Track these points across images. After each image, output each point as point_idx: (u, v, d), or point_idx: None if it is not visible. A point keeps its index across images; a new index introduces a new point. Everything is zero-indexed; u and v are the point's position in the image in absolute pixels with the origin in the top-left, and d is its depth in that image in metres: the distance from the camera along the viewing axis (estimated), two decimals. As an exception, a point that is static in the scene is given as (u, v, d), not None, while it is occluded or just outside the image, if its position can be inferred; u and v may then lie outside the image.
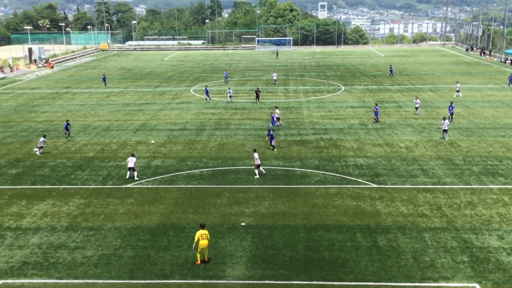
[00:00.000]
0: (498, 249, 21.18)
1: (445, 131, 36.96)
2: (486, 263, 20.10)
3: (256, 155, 30.12)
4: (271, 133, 35.78)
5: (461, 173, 30.47)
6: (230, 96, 53.03)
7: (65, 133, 39.77)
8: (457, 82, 56.75)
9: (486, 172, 30.50)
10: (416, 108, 45.64)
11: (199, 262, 20.20)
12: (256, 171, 30.13)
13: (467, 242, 21.85)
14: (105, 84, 64.87)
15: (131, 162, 30.05)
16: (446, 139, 36.71)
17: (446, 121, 37.00)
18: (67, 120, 40.84)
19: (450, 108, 43.04)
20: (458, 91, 54.82)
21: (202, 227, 20.39)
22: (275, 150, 35.11)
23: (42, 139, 35.77)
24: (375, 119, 42.80)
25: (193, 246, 20.34)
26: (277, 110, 42.29)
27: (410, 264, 20.12)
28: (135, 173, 30.22)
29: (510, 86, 59.25)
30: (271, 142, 35.42)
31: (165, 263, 20.54)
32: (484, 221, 23.86)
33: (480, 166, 31.62)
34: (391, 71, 69.38)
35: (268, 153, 34.51)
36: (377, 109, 42.98)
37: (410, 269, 19.79)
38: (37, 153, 35.39)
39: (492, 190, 27.68)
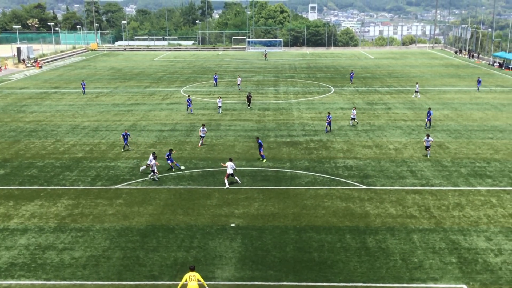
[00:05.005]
0: (485, 250, 21.37)
1: (427, 147, 33.92)
2: (474, 264, 20.26)
3: (229, 164, 28.43)
4: (260, 141, 33.57)
5: (450, 174, 30.70)
6: (220, 107, 47.84)
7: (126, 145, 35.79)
8: (416, 83, 57.34)
9: (474, 174, 30.75)
10: (353, 119, 42.63)
11: None
12: (226, 181, 28.59)
13: (455, 243, 22.01)
14: (84, 91, 58.82)
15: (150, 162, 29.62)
16: (428, 156, 33.93)
17: (430, 138, 33.76)
18: (125, 130, 36.33)
19: (428, 115, 41.43)
20: (417, 92, 55.31)
21: (192, 269, 17.71)
22: (264, 160, 33.29)
23: (151, 158, 29.75)
24: (327, 127, 40.45)
25: None
26: (204, 129, 36.80)
27: (398, 265, 20.23)
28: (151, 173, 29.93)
29: (479, 90, 58.41)
30: (259, 150, 33.36)
31: (154, 264, 20.47)
32: (472, 222, 24.05)
33: (468, 168, 31.88)
34: (351, 76, 66.34)
35: (258, 154, 34.45)
36: (329, 118, 40.36)
37: (398, 270, 19.90)
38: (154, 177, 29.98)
39: (480, 192, 27.92)
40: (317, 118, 45.54)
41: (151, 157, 29.67)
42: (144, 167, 30.98)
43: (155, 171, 29.64)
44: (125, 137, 35.76)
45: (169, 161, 31.38)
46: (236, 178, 29.09)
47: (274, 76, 73.02)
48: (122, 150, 35.80)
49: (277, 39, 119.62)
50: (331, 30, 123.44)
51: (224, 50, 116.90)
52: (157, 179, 29.76)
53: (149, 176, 30.06)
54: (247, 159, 33.69)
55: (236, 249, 21.59)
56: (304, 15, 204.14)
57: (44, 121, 45.59)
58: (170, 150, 31.78)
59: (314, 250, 21.45)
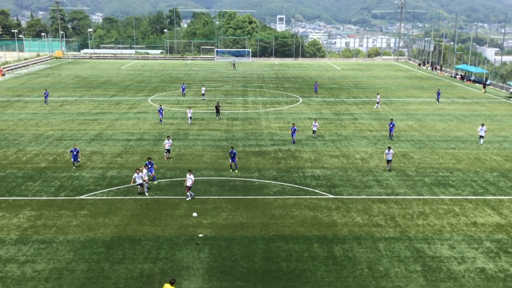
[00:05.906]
0: (449, 258, 21.82)
1: (389, 161, 33.43)
2: (438, 272, 20.65)
3: (191, 176, 27.82)
4: (234, 151, 32.96)
5: (414, 184, 31.30)
6: (191, 117, 46.80)
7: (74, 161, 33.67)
8: (378, 94, 58.53)
9: (438, 183, 31.44)
10: (314, 131, 42.11)
11: None
12: (188, 193, 28.15)
13: (420, 251, 22.41)
14: (46, 101, 56.75)
15: (138, 178, 28.43)
16: (388, 169, 33.55)
17: (391, 151, 33.26)
18: (75, 146, 34.28)
19: (390, 126, 41.54)
20: (378, 103, 56.43)
21: (172, 283, 17.35)
22: (236, 171, 33.12)
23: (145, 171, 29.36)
24: (293, 139, 40.25)
25: None
26: (169, 141, 35.63)
27: (365, 274, 20.43)
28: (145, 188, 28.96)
29: (439, 101, 59.61)
30: (233, 161, 32.79)
31: (120, 276, 20.08)
32: (436, 231, 24.54)
33: (432, 177, 32.58)
34: (315, 87, 66.21)
35: (226, 163, 34.39)
36: (294, 129, 39.81)
37: (365, 278, 20.10)
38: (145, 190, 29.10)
39: (443, 201, 28.55)
40: (285, 128, 45.80)
41: (144, 171, 28.95)
42: (146, 184, 29.14)
43: (146, 181, 29.06)
44: (74, 153, 33.30)
45: (150, 172, 30.52)
46: (189, 193, 28.43)
47: (243, 86, 73.20)
48: (73, 168, 33.49)
49: (246, 49, 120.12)
50: (299, 41, 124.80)
51: (192, 59, 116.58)
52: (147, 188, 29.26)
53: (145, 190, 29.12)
54: (215, 169, 33.57)
55: (204, 260, 21.41)
56: (272, 26, 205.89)
57: (6, 130, 44.36)
58: (149, 159, 30.98)
59: (282, 260, 21.47)
